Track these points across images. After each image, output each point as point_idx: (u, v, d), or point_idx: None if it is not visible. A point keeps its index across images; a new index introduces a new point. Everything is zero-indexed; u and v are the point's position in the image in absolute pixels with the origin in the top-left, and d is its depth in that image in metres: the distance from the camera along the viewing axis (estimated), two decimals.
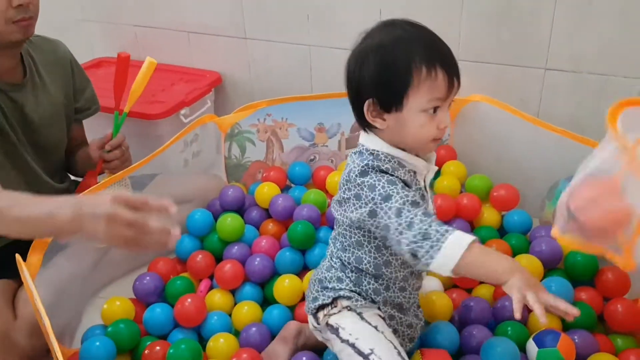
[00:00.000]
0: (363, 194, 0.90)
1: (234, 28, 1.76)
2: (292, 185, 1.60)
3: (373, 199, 0.89)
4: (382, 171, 0.90)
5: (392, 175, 0.90)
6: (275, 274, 1.34)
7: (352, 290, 0.99)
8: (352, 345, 0.95)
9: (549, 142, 1.45)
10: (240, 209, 1.50)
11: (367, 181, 0.90)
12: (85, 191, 1.24)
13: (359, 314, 0.98)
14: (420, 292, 1.11)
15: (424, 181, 0.98)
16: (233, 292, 1.32)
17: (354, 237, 0.97)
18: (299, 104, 1.58)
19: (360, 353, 0.93)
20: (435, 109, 0.90)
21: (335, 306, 0.99)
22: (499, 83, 1.53)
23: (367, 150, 0.94)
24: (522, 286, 0.80)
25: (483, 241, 1.36)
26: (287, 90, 1.71)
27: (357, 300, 0.98)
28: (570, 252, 1.29)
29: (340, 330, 0.97)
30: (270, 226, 1.46)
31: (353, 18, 1.60)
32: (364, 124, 0.95)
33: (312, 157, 1.65)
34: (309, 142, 1.63)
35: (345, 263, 1.00)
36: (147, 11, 1.85)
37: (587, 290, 1.23)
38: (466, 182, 1.53)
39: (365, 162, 0.91)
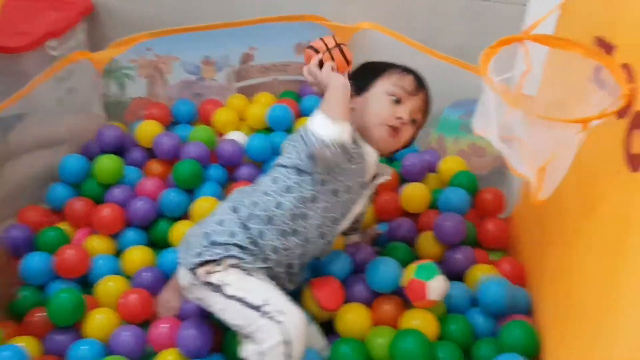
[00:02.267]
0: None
1: None
2: (178, 123, 1.52)
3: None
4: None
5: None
6: (160, 216, 1.28)
7: (242, 247, 0.95)
8: (241, 300, 0.91)
9: (434, 69, 1.45)
10: (120, 150, 1.41)
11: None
12: None
13: (246, 271, 0.95)
14: None
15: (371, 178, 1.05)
16: (115, 237, 1.26)
17: (287, 182, 0.98)
18: (183, 36, 1.49)
19: (251, 306, 0.90)
20: (399, 101, 1.02)
21: (220, 264, 0.94)
22: (388, 10, 1.51)
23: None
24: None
25: None
26: (169, 19, 1.59)
27: (246, 262, 0.95)
28: (454, 175, 1.33)
29: (224, 287, 0.93)
30: (154, 166, 1.38)
31: None
32: None
33: (200, 92, 1.58)
34: (196, 76, 1.55)
35: (254, 214, 0.97)
36: None
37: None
38: None
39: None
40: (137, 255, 1.20)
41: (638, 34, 0.71)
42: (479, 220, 1.29)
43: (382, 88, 1.02)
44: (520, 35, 0.80)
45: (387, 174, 1.09)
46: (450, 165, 1.36)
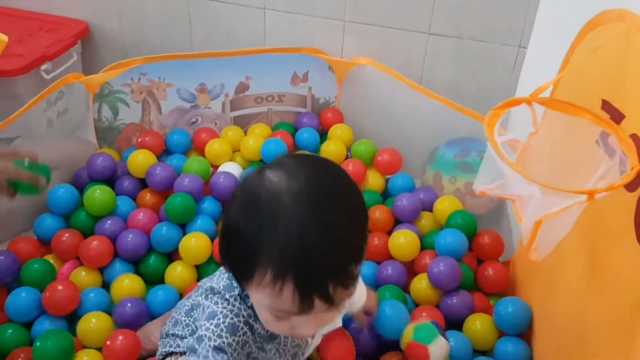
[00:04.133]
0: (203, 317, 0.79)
1: None
2: (171, 152, 1.50)
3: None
4: (241, 315, 0.78)
5: (243, 324, 0.77)
6: (151, 250, 1.26)
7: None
8: None
9: (429, 108, 1.47)
10: (111, 179, 1.39)
11: (214, 308, 0.78)
12: None
13: None
14: None
15: None
16: (103, 270, 1.24)
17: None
18: (178, 62, 1.46)
19: None
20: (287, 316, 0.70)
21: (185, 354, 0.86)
22: (385, 46, 1.51)
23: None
24: None
25: (368, 206, 1.37)
26: (164, 46, 1.58)
27: None
28: (452, 214, 1.32)
29: None
30: (147, 197, 1.36)
31: None
32: None
33: (194, 120, 1.56)
34: (190, 104, 1.53)
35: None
36: None
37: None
38: (352, 148, 1.52)
39: (232, 292, 0.78)
40: (127, 284, 1.17)
41: None
42: (476, 263, 1.28)
43: (256, 299, 0.71)
44: (529, 97, 0.79)
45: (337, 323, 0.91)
46: (445, 205, 1.35)
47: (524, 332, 1.12)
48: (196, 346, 0.76)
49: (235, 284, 0.78)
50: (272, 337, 0.81)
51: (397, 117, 1.53)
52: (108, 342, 1.04)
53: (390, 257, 1.28)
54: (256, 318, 0.77)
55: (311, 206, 0.64)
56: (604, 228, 0.81)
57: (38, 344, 1.00)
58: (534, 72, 1.34)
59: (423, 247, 1.30)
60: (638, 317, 0.69)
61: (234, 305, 0.77)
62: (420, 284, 1.21)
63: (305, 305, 0.65)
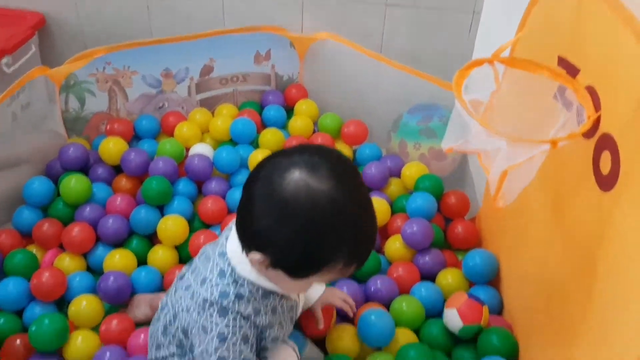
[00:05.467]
0: (209, 336, 0.81)
1: None
2: (140, 138, 1.51)
3: (217, 349, 0.81)
4: (243, 317, 0.82)
5: (249, 325, 0.82)
6: (132, 233, 1.29)
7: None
8: None
9: (391, 77, 1.52)
10: (84, 168, 1.40)
11: (221, 327, 0.81)
12: None
13: None
14: None
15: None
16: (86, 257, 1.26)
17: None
18: (141, 49, 1.47)
19: None
20: None
21: None
22: (344, 20, 1.55)
23: (231, 274, 0.82)
24: None
25: None
26: (124, 34, 1.57)
27: None
28: (420, 178, 1.38)
29: None
30: (123, 182, 1.37)
31: None
32: (242, 244, 0.81)
33: (161, 105, 1.57)
34: (156, 89, 1.54)
35: (182, 339, 0.88)
36: None
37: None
38: (318, 122, 1.56)
39: (226, 299, 0.81)
40: (118, 259, 1.21)
41: (602, 57, 0.77)
42: (444, 222, 1.35)
43: (317, 279, 0.79)
44: (491, 57, 0.85)
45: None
46: (412, 170, 1.41)
47: (491, 280, 1.20)
48: None
49: (229, 289, 0.81)
50: (271, 323, 0.85)
51: (360, 88, 1.58)
52: (103, 328, 1.08)
53: None
54: (257, 313, 0.82)
55: (361, 203, 0.77)
56: (566, 175, 0.88)
57: (34, 328, 1.03)
58: (488, 36, 1.40)
59: (393, 212, 1.36)
60: (597, 258, 0.76)
61: (237, 314, 0.81)
62: (394, 245, 1.27)
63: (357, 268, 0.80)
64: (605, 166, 0.75)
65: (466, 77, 0.83)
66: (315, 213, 0.72)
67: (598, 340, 0.74)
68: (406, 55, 1.55)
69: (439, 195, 1.37)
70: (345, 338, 1.07)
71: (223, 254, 0.84)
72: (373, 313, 1.06)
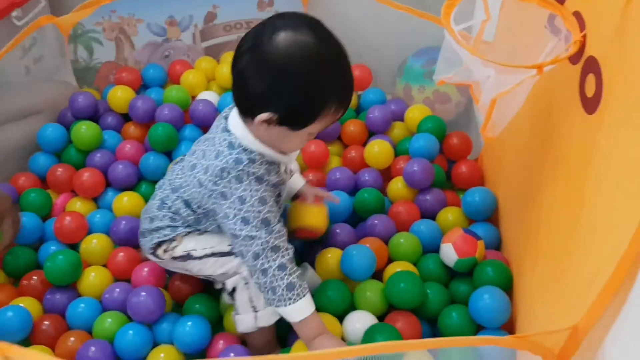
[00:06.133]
0: (229, 202, 0.90)
1: None
2: (148, 87, 1.54)
3: (240, 210, 0.90)
4: (257, 178, 0.90)
5: (266, 184, 0.91)
6: (141, 179, 1.33)
7: (188, 225, 1.00)
8: (213, 254, 0.99)
9: (395, 20, 1.51)
10: (94, 116, 1.44)
11: (239, 191, 0.90)
12: None
13: (200, 231, 1.01)
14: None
15: (285, 169, 1.00)
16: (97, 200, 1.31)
17: (203, 212, 0.98)
18: None
19: (223, 254, 0.98)
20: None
21: (174, 239, 1.00)
22: None
23: (240, 145, 0.91)
24: None
25: (342, 121, 1.44)
26: None
27: (198, 229, 1.00)
28: (422, 120, 1.40)
29: (191, 253, 1.00)
30: (132, 129, 1.41)
31: None
32: (245, 115, 0.90)
33: (167, 54, 1.59)
34: (162, 37, 1.57)
35: (182, 215, 0.99)
36: None
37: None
38: None
39: (241, 165, 0.90)
40: (126, 201, 1.26)
41: None
42: (446, 163, 1.37)
43: (309, 130, 0.89)
44: None
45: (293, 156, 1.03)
46: (416, 113, 1.42)
47: (490, 217, 1.22)
48: (238, 230, 0.89)
49: (242, 156, 0.89)
50: (276, 184, 0.95)
51: (364, 33, 1.57)
52: (111, 259, 1.14)
53: (367, 167, 1.36)
54: (269, 172, 0.92)
55: (341, 51, 0.87)
56: (554, 102, 0.89)
57: (49, 263, 1.08)
58: None
59: (397, 154, 1.38)
60: (585, 178, 0.78)
61: (252, 177, 0.90)
62: (397, 186, 1.30)
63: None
64: (590, 89, 0.75)
65: (455, 7, 0.83)
66: (308, 63, 0.83)
67: (583, 253, 0.76)
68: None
69: (442, 137, 1.38)
70: (335, 264, 1.10)
71: (227, 130, 0.93)
72: (355, 248, 1.09)
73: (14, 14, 1.50)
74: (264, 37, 0.83)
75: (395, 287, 1.04)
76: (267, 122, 0.86)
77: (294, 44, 0.82)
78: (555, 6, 0.81)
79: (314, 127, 0.88)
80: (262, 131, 0.88)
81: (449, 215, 1.23)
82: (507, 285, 1.05)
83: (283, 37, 0.82)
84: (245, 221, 0.89)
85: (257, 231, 0.89)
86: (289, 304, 0.90)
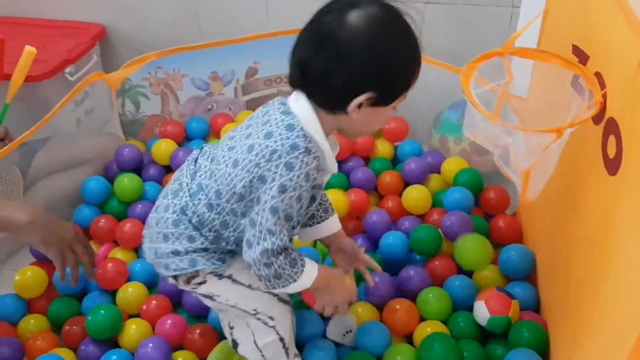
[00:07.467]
0: (266, 186, 0.83)
1: None
2: (191, 139, 1.59)
3: (274, 198, 0.83)
4: (307, 175, 0.83)
5: (312, 182, 0.85)
6: None
7: (205, 249, 0.91)
8: (235, 307, 0.96)
9: (431, 74, 1.51)
10: (138, 168, 1.50)
11: (285, 179, 0.82)
12: None
13: (229, 277, 0.93)
14: None
15: None
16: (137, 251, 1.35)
17: (230, 206, 0.87)
18: (190, 53, 1.56)
19: (245, 312, 0.96)
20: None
21: (198, 276, 0.92)
22: None
23: (301, 129, 0.83)
24: (324, 303, 0.98)
25: (377, 173, 1.45)
26: (175, 39, 1.67)
27: (217, 264, 0.91)
28: (458, 172, 1.39)
29: (215, 297, 0.95)
30: None
31: None
32: (335, 108, 0.84)
33: (210, 107, 1.65)
34: (205, 92, 1.63)
35: (205, 222, 0.89)
36: None
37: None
38: None
39: (296, 152, 0.82)
40: None
41: (608, 44, 0.77)
42: (484, 217, 1.34)
43: (398, 102, 0.87)
44: (501, 49, 0.86)
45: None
46: (452, 165, 1.42)
47: (528, 276, 1.18)
48: (261, 218, 0.83)
49: (300, 141, 0.82)
50: (315, 186, 0.88)
51: None
52: (144, 307, 1.18)
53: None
54: (319, 171, 0.85)
55: (400, 13, 0.83)
56: (580, 162, 0.87)
57: (90, 317, 1.12)
58: (529, 29, 1.38)
59: (432, 206, 1.37)
60: (606, 232, 0.76)
61: (302, 171, 0.82)
62: None
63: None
64: (612, 150, 0.74)
65: (475, 70, 0.84)
66: (400, 39, 0.81)
67: (608, 318, 0.73)
68: (446, 53, 1.54)
69: (479, 190, 1.37)
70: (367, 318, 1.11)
71: (288, 112, 0.85)
72: (372, 324, 1.10)
73: (68, 70, 1.60)
74: (333, 28, 0.80)
75: (429, 351, 1.01)
76: (364, 104, 0.82)
77: (365, 21, 0.79)
78: (577, 67, 0.81)
79: (402, 98, 0.87)
80: (354, 117, 0.83)
81: (486, 272, 1.20)
82: (543, 349, 1.02)
83: (353, 19, 0.79)
84: (274, 212, 0.82)
85: (279, 228, 0.83)
86: (297, 277, 0.87)
